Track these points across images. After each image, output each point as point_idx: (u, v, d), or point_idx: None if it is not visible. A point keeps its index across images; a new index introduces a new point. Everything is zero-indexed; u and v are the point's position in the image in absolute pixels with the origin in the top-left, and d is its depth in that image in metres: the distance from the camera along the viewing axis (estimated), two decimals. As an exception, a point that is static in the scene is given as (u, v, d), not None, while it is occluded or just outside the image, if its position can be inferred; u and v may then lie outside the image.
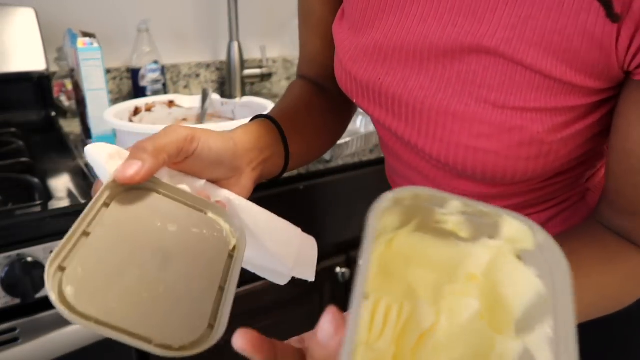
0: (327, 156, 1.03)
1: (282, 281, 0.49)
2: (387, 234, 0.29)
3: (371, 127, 1.23)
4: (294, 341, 0.34)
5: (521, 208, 0.54)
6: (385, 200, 0.27)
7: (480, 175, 0.46)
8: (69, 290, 0.29)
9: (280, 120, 0.54)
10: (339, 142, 1.02)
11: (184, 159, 0.42)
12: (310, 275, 0.49)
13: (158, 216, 0.37)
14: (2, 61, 1.09)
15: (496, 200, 0.53)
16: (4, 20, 1.11)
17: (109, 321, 0.29)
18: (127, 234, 0.34)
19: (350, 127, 1.27)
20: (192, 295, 0.32)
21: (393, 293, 0.28)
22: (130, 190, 0.37)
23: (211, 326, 0.33)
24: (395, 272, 0.29)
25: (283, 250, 0.46)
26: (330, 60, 0.59)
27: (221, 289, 0.35)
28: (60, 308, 0.28)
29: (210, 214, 0.40)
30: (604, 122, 0.44)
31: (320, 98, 0.63)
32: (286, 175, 0.99)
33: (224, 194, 0.44)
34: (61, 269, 0.30)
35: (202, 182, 0.43)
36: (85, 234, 0.32)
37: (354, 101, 0.54)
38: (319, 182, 1.06)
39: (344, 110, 0.66)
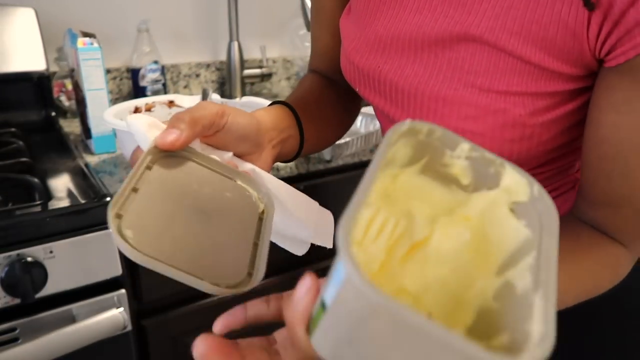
0: (327, 156, 1.03)
1: (301, 251, 0.52)
2: (395, 168, 0.31)
3: (371, 127, 1.23)
4: (270, 312, 0.38)
5: None
6: (404, 124, 0.30)
7: None
8: (128, 233, 0.33)
9: (296, 107, 0.58)
10: (339, 142, 1.02)
11: (214, 132, 0.46)
12: (328, 242, 0.52)
13: (194, 180, 0.41)
14: (2, 61, 1.09)
15: None
16: (4, 20, 1.11)
17: (166, 261, 0.33)
18: (169, 192, 0.38)
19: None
20: (231, 247, 0.37)
21: (392, 211, 0.30)
22: (169, 156, 0.41)
23: (250, 274, 0.38)
24: (397, 200, 0.31)
25: (304, 217, 0.50)
26: (338, 54, 0.62)
27: (255, 245, 0.40)
28: (124, 246, 0.31)
29: (239, 182, 0.44)
30: (582, 112, 0.46)
31: (330, 91, 0.67)
32: (286, 175, 0.99)
33: (248, 166, 0.48)
34: (118, 216, 0.33)
35: (230, 154, 0.47)
36: (134, 189, 0.36)
37: (357, 90, 0.58)
38: (319, 182, 1.06)
39: (352, 103, 0.70)
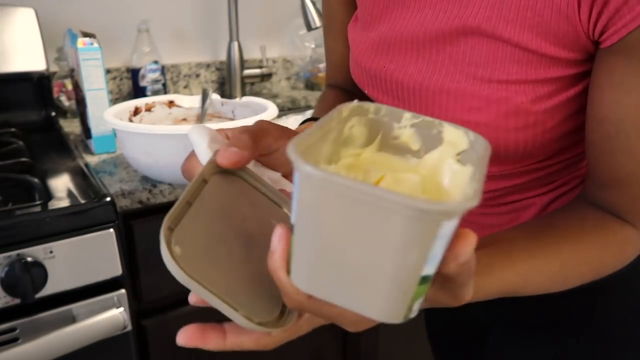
0: (327, 156, 1.03)
1: None
2: (355, 147, 0.36)
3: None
4: None
5: (523, 190, 0.57)
6: (353, 102, 0.35)
7: None
8: (177, 250, 0.32)
9: None
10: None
11: (269, 152, 0.47)
12: None
13: (245, 202, 0.41)
14: (2, 61, 1.09)
15: (499, 181, 0.56)
16: (4, 20, 1.11)
17: (206, 284, 0.32)
18: (220, 211, 0.38)
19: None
20: (269, 280, 0.35)
21: (350, 170, 0.35)
22: (225, 172, 0.41)
23: (282, 313, 0.36)
24: (359, 169, 0.35)
25: None
26: None
27: None
28: (171, 264, 0.31)
29: (285, 209, 0.43)
30: (585, 99, 0.46)
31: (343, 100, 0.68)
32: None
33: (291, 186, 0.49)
34: (170, 229, 0.33)
35: (278, 174, 0.47)
36: (189, 203, 0.36)
37: (366, 92, 0.59)
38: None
39: None
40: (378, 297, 0.28)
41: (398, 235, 0.25)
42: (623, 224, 0.46)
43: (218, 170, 0.40)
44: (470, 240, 0.28)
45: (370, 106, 0.36)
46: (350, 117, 0.35)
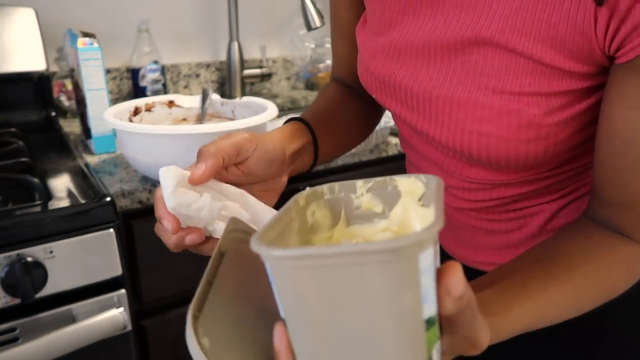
0: (327, 156, 1.03)
1: None
2: (324, 232, 0.37)
3: (371, 127, 1.23)
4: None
5: (531, 198, 0.56)
6: (305, 191, 0.36)
7: (486, 160, 0.49)
8: (205, 342, 0.30)
9: (313, 121, 0.60)
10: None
11: (245, 158, 0.48)
12: None
13: (263, 273, 0.38)
14: (2, 61, 1.09)
15: (507, 189, 0.55)
16: (4, 20, 1.11)
17: None
18: (240, 289, 0.37)
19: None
20: None
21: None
22: (240, 241, 0.40)
23: None
24: None
25: None
26: (356, 62, 0.63)
27: None
28: (198, 354, 0.29)
29: None
30: (598, 110, 0.46)
31: (352, 99, 0.68)
32: (286, 175, 0.99)
33: (237, 191, 0.48)
34: (195, 317, 0.31)
35: (240, 191, 0.48)
36: (209, 283, 0.35)
37: (374, 96, 0.59)
38: (319, 182, 1.06)
39: (373, 110, 0.71)
40: (392, 358, 0.27)
41: (382, 284, 0.25)
42: (629, 242, 0.46)
43: (234, 240, 0.40)
44: (456, 270, 0.28)
45: (323, 188, 0.37)
46: (308, 204, 0.36)
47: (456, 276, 0.28)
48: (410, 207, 0.36)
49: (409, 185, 0.36)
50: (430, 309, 0.27)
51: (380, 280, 0.25)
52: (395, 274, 0.25)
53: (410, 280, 0.25)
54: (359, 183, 0.37)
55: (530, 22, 0.42)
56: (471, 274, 0.67)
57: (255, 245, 0.26)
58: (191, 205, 0.43)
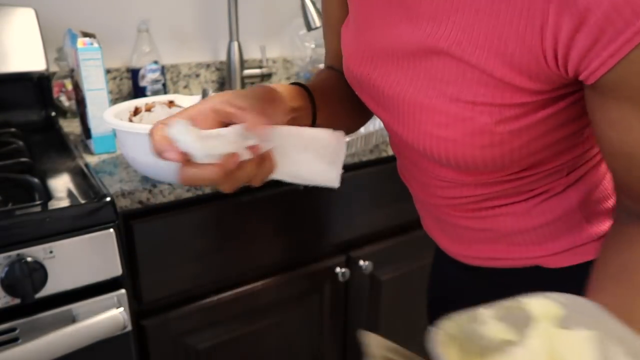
0: (327, 156, 1.03)
1: (336, 181, 0.53)
2: None
3: (371, 127, 1.23)
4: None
5: (502, 196, 0.57)
6: (438, 335, 0.32)
7: (446, 161, 0.50)
8: None
9: (313, 89, 0.61)
10: (339, 142, 1.02)
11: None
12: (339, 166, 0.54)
13: None
14: (2, 61, 1.09)
15: (477, 188, 0.57)
16: (4, 20, 1.11)
17: None
18: None
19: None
20: None
21: None
22: None
23: None
24: None
25: (328, 157, 0.52)
26: None
27: None
28: None
29: None
30: (560, 118, 0.47)
31: (347, 84, 0.68)
32: (286, 175, 0.99)
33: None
34: None
35: (239, 126, 0.46)
36: None
37: (357, 94, 0.61)
38: (319, 182, 1.06)
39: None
40: None
41: None
42: None
43: None
44: None
45: (447, 324, 0.33)
46: (449, 346, 0.32)
47: None
48: (552, 333, 0.32)
49: (542, 307, 0.32)
50: None
51: None
52: None
53: None
54: (485, 312, 0.33)
55: (484, 36, 0.43)
56: (464, 268, 0.68)
57: None
58: (216, 137, 0.44)
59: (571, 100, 0.46)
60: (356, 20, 0.58)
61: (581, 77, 0.40)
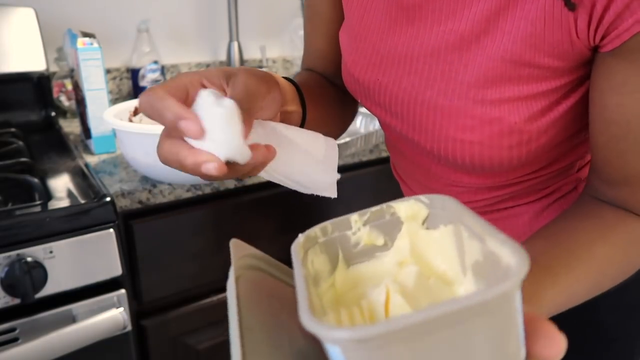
0: (327, 156, 1.03)
1: (333, 191, 0.49)
2: (326, 279, 0.32)
3: (371, 127, 1.23)
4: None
5: (515, 198, 0.57)
6: (298, 239, 0.31)
7: (470, 165, 0.49)
8: None
9: (302, 87, 0.56)
10: (339, 142, 1.02)
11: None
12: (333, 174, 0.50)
13: (277, 295, 0.36)
14: (2, 61, 1.09)
15: (491, 192, 0.56)
16: (4, 20, 1.11)
17: None
18: (267, 317, 0.33)
19: (350, 127, 1.27)
20: None
21: (349, 306, 0.31)
22: (250, 270, 0.36)
23: None
24: (346, 297, 0.32)
25: (321, 156, 0.48)
26: (335, 57, 0.62)
27: None
28: None
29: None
30: (579, 108, 0.46)
31: (330, 85, 0.66)
32: (286, 175, 0.99)
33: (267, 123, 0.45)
34: None
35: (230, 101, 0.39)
36: (241, 329, 0.31)
37: (359, 101, 0.58)
38: (319, 182, 1.06)
39: (350, 100, 0.68)
40: None
41: (487, 336, 0.22)
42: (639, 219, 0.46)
43: (245, 268, 0.36)
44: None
45: (315, 231, 0.33)
46: (306, 252, 0.32)
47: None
48: (416, 232, 0.33)
49: (409, 209, 0.33)
50: (523, 350, 0.25)
51: (485, 333, 0.22)
52: (501, 322, 0.22)
53: (513, 324, 0.23)
54: (354, 217, 0.33)
55: (511, 22, 0.43)
56: None
57: (320, 329, 0.22)
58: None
59: (583, 91, 0.46)
60: (355, 25, 0.55)
61: (605, 41, 0.40)
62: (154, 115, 0.37)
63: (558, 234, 0.45)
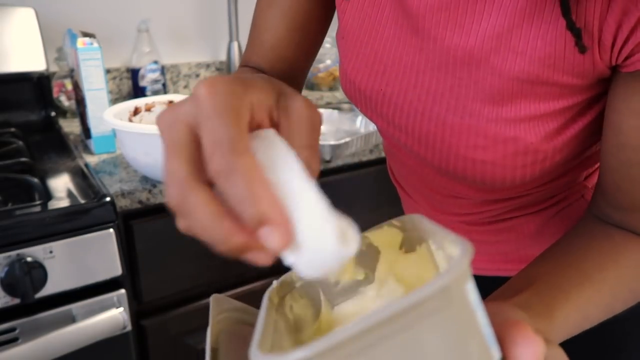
0: (327, 156, 1.03)
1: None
2: (310, 325, 0.30)
3: (371, 127, 1.23)
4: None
5: (521, 208, 0.55)
6: (272, 287, 0.29)
7: (480, 182, 0.46)
8: None
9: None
10: (339, 142, 1.02)
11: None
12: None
13: None
14: (2, 61, 1.09)
15: (497, 204, 0.53)
16: (4, 20, 1.11)
17: None
18: None
19: (350, 127, 1.27)
20: None
21: None
22: (231, 324, 0.34)
23: None
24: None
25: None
26: (290, 52, 0.55)
27: None
28: None
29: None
30: (595, 126, 0.44)
31: None
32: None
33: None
34: None
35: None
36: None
37: (358, 109, 0.55)
38: (319, 182, 1.05)
39: None
40: None
41: (441, 339, 0.20)
42: None
43: (225, 322, 0.33)
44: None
45: (291, 276, 0.30)
46: (283, 298, 0.29)
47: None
48: (395, 259, 0.31)
49: (384, 236, 0.31)
50: (496, 352, 0.23)
51: (437, 334, 0.20)
52: (452, 320, 0.21)
53: (470, 322, 0.22)
54: None
55: (525, 41, 0.40)
56: None
57: (257, 357, 0.21)
58: None
59: (599, 109, 0.44)
60: (355, 30, 0.51)
61: (628, 62, 0.38)
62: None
63: (567, 255, 0.43)
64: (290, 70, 0.55)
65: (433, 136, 0.47)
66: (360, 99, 0.53)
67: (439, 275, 0.20)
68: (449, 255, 0.26)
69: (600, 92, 0.43)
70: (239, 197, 0.23)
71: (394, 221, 0.31)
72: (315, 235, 0.23)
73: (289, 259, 0.24)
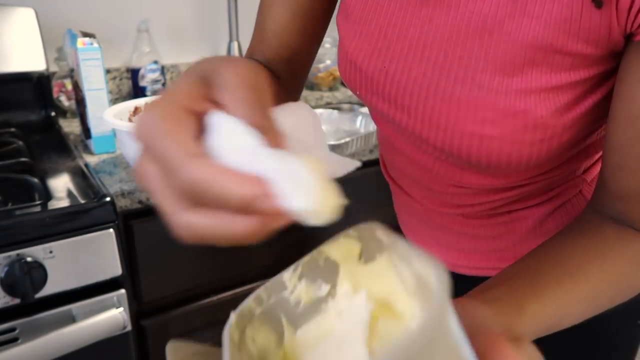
0: (327, 156, 1.03)
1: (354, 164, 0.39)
2: (275, 352, 0.29)
3: (371, 127, 1.23)
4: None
5: (520, 201, 0.54)
6: (229, 322, 0.28)
7: (485, 163, 0.45)
8: None
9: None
10: (339, 142, 1.02)
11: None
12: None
13: None
14: (2, 61, 1.09)
15: (496, 194, 0.53)
16: (4, 20, 1.11)
17: None
18: None
19: (350, 127, 1.27)
20: None
21: None
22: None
23: None
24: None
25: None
26: (294, 38, 0.54)
27: None
28: None
29: None
30: (602, 108, 0.44)
31: (276, 83, 0.53)
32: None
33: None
34: None
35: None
36: None
37: (357, 94, 0.53)
38: (319, 182, 1.06)
39: (288, 100, 0.59)
40: None
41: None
42: None
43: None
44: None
45: (249, 304, 0.29)
46: (243, 332, 0.28)
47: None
48: (355, 271, 0.30)
49: (341, 248, 0.30)
50: None
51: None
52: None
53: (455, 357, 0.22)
54: (286, 275, 0.30)
55: (541, 4, 0.39)
56: (453, 278, 0.66)
57: None
58: None
59: (609, 87, 0.43)
60: (358, 6, 0.50)
61: None
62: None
63: (553, 252, 0.43)
64: (295, 57, 0.55)
65: (438, 114, 0.45)
66: (360, 81, 0.51)
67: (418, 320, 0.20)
68: (419, 274, 0.25)
69: (611, 68, 0.42)
70: (215, 195, 0.24)
71: (351, 231, 0.30)
72: (294, 176, 0.26)
73: (292, 205, 0.26)
